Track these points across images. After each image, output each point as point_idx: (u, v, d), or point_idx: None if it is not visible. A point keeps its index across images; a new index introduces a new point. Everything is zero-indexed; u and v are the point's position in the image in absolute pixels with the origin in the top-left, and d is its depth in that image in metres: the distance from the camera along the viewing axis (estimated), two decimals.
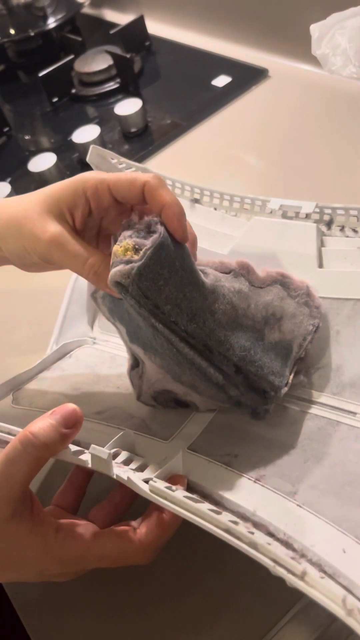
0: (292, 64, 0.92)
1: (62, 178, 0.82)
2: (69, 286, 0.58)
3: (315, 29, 0.63)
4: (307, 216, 0.52)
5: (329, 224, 0.51)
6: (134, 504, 0.41)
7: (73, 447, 0.38)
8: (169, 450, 0.41)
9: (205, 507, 0.32)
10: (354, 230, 0.50)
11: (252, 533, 0.32)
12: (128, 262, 0.35)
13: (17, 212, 0.41)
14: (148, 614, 0.42)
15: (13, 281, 0.70)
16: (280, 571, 0.27)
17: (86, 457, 0.36)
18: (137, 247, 0.35)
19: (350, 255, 0.48)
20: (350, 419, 0.42)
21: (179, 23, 1.08)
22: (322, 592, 0.27)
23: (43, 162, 0.81)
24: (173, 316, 0.37)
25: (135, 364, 0.44)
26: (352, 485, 0.37)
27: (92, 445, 0.34)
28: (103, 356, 0.52)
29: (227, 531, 0.29)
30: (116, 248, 0.36)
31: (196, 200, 0.56)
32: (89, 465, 0.35)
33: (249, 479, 0.39)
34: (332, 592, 0.26)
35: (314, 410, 0.44)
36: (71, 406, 0.37)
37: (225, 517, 0.31)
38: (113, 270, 0.35)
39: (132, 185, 0.38)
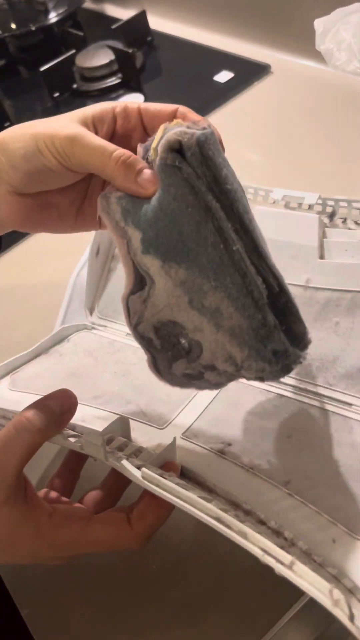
0: (295, 59, 0.91)
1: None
2: (70, 283, 0.58)
3: (319, 23, 0.62)
4: (310, 207, 0.52)
5: (332, 216, 0.51)
6: (128, 489, 0.41)
7: (68, 432, 0.38)
8: (163, 437, 0.41)
9: (196, 494, 0.32)
10: (356, 223, 0.50)
11: (244, 521, 0.32)
12: (187, 128, 0.31)
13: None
14: (148, 612, 0.42)
15: (14, 277, 0.71)
16: (269, 560, 0.28)
17: (80, 442, 0.36)
18: (189, 127, 0.32)
19: (352, 248, 0.48)
20: (346, 411, 0.43)
21: (181, 18, 1.08)
22: (309, 582, 0.27)
23: None
24: (230, 198, 0.32)
25: (139, 286, 0.35)
26: (345, 476, 0.38)
27: (87, 431, 0.35)
28: (101, 341, 0.52)
29: (218, 519, 0.30)
30: (165, 125, 0.32)
31: None
32: (83, 451, 0.35)
33: (243, 467, 0.39)
34: (319, 582, 0.26)
35: (310, 400, 0.44)
36: (66, 391, 0.37)
37: (217, 505, 0.31)
38: (171, 132, 0.31)
39: (163, 108, 0.36)
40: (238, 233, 0.33)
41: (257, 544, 0.28)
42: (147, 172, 0.33)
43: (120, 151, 0.34)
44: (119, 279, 0.54)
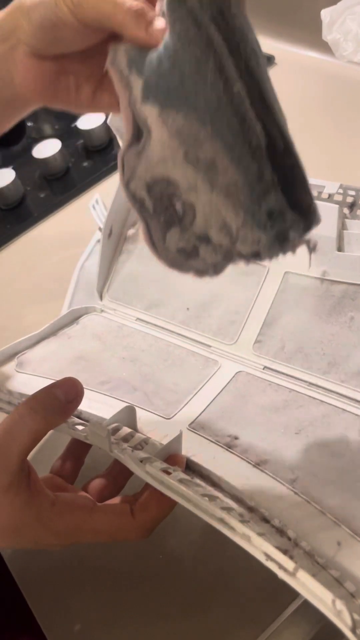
0: (299, 51, 0.89)
1: (67, 165, 0.81)
2: (75, 274, 0.58)
3: (326, 14, 0.61)
4: (330, 197, 0.51)
5: (352, 207, 0.50)
6: (132, 477, 0.41)
7: (74, 420, 0.38)
8: (170, 428, 0.41)
9: (200, 492, 0.31)
10: None
11: (248, 521, 0.32)
12: None
13: None
14: (151, 600, 0.42)
15: (19, 268, 0.70)
16: (272, 565, 0.27)
17: (85, 432, 0.35)
18: None
19: None
20: (356, 408, 0.42)
21: None
22: (312, 591, 0.26)
23: (47, 148, 0.79)
24: (238, 36, 0.30)
25: (136, 138, 0.33)
26: (353, 476, 0.37)
27: (92, 421, 0.34)
28: (110, 325, 0.51)
29: (221, 521, 0.29)
30: None
31: None
32: (88, 441, 0.35)
33: (249, 462, 0.38)
34: (322, 592, 0.26)
35: (320, 396, 0.43)
36: (72, 379, 0.36)
37: (220, 503, 0.31)
38: None
39: None
40: (242, 75, 0.30)
41: (260, 548, 0.28)
42: (158, 22, 0.32)
43: (132, 1, 0.32)
44: (132, 262, 0.54)
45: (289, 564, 0.27)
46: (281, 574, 0.27)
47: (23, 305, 0.65)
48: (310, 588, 0.26)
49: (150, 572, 0.43)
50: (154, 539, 0.42)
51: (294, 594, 0.39)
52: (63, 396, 0.35)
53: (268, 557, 0.27)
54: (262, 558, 0.28)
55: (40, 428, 0.34)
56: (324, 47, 0.62)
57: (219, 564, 0.42)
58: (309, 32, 0.76)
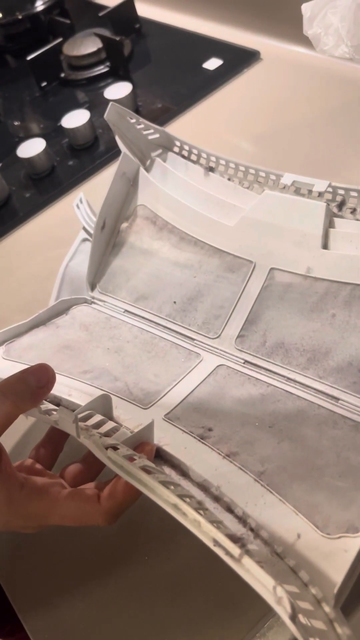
0: (284, 45, 0.89)
1: (52, 164, 0.82)
2: (59, 273, 0.59)
3: (307, 8, 0.60)
4: (320, 195, 0.51)
5: (341, 205, 0.50)
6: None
7: (47, 406, 0.39)
8: (146, 417, 0.41)
9: (162, 479, 0.32)
10: None
11: (206, 509, 0.33)
12: None
13: None
14: (138, 603, 0.42)
15: (3, 268, 0.72)
16: (219, 551, 0.28)
17: (55, 417, 0.36)
18: None
19: (357, 239, 0.47)
20: (332, 405, 0.42)
21: (169, 5, 1.05)
22: (255, 576, 0.27)
23: (32, 147, 0.80)
24: None
25: None
26: (320, 471, 0.37)
27: (61, 406, 0.35)
28: (99, 316, 0.52)
29: (175, 506, 0.30)
30: None
31: (211, 169, 0.55)
32: (58, 426, 0.36)
33: (219, 453, 0.39)
34: (264, 578, 0.26)
35: (298, 392, 0.43)
36: (44, 365, 0.37)
37: (180, 491, 0.31)
38: None
39: None
40: None
41: (209, 534, 0.28)
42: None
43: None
44: (122, 255, 0.54)
45: (235, 551, 0.28)
46: (227, 560, 0.27)
47: (8, 305, 0.66)
48: (254, 574, 0.27)
49: (136, 572, 0.43)
50: (139, 540, 0.43)
51: None
52: (34, 381, 0.36)
53: (216, 543, 0.28)
54: (210, 544, 0.28)
55: (9, 412, 0.35)
56: (309, 42, 0.62)
57: (205, 563, 0.42)
58: (294, 27, 0.76)
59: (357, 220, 0.49)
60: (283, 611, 0.26)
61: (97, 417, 0.38)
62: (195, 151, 0.56)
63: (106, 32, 0.99)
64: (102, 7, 1.06)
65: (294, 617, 0.26)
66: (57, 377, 0.39)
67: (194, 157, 0.56)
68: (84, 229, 0.62)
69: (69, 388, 0.44)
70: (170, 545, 0.44)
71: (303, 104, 0.80)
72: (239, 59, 0.90)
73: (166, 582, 0.42)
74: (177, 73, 0.93)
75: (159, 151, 0.58)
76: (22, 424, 0.53)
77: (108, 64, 0.98)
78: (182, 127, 0.83)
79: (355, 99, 0.77)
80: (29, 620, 0.43)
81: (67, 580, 0.44)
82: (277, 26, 0.89)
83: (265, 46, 0.90)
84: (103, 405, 0.40)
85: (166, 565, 0.43)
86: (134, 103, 0.87)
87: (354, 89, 0.79)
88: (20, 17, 1.10)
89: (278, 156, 0.74)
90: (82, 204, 0.63)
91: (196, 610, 0.41)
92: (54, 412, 0.38)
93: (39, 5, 1.11)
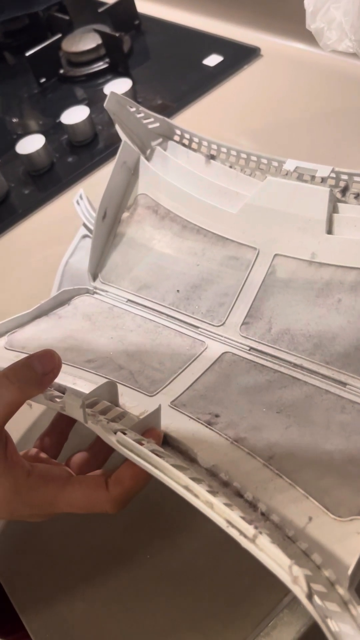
0: (285, 42, 0.89)
1: (51, 161, 0.81)
2: (59, 270, 0.59)
3: (309, 3, 0.60)
4: (323, 181, 0.50)
5: (344, 191, 0.50)
6: (116, 453, 0.41)
7: (53, 393, 0.38)
8: (152, 404, 0.41)
9: (172, 462, 0.31)
10: None
11: (216, 492, 0.32)
12: None
13: None
14: (141, 600, 0.42)
15: (3, 265, 0.71)
16: (233, 532, 0.27)
17: (62, 403, 0.36)
18: None
19: None
20: (340, 390, 0.42)
21: (169, 1, 1.05)
22: (271, 556, 0.26)
23: (31, 144, 0.79)
24: None
25: None
26: (330, 456, 0.37)
27: (67, 392, 0.34)
28: (101, 306, 0.52)
29: (187, 488, 0.29)
30: None
31: (212, 157, 0.55)
32: (64, 412, 0.35)
33: (227, 439, 0.38)
34: (280, 557, 0.26)
35: (304, 377, 0.43)
36: (50, 351, 0.37)
37: (190, 474, 0.31)
38: None
39: None
40: None
41: (223, 515, 0.28)
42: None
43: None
44: (124, 245, 0.54)
45: (250, 531, 0.27)
46: (241, 540, 0.27)
47: (7, 302, 0.66)
48: (269, 554, 0.26)
49: (138, 572, 0.43)
50: (142, 539, 0.43)
51: (286, 590, 0.39)
52: (40, 367, 0.36)
53: (229, 523, 0.28)
54: (223, 525, 0.28)
55: (15, 398, 0.35)
56: (310, 38, 0.62)
57: (207, 563, 0.42)
58: (295, 23, 0.76)
59: None
60: (300, 590, 0.25)
61: (104, 404, 0.38)
62: (196, 139, 0.56)
63: (105, 29, 0.98)
64: (101, 4, 1.05)
65: (310, 596, 0.25)
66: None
67: (194, 146, 0.56)
68: (84, 225, 0.62)
69: (73, 377, 0.43)
70: (173, 544, 0.43)
71: (303, 100, 0.80)
72: (239, 56, 0.89)
73: (169, 581, 0.42)
74: (177, 69, 0.92)
75: (160, 140, 0.57)
76: (27, 416, 0.52)
77: (107, 60, 0.97)
78: (182, 123, 0.81)
79: (356, 95, 0.77)
80: (30, 619, 0.42)
81: (68, 579, 0.43)
82: (277, 22, 0.89)
83: (266, 42, 0.90)
84: (109, 392, 0.39)
85: (169, 564, 0.42)
86: (133, 99, 0.86)
87: (355, 86, 0.78)
88: (19, 13, 1.09)
89: (278, 153, 0.73)
90: (82, 200, 0.63)
91: (199, 610, 0.40)
92: (59, 400, 0.37)
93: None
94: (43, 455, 0.41)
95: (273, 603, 0.39)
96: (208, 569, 0.42)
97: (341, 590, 0.30)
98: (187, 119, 0.83)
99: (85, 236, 0.62)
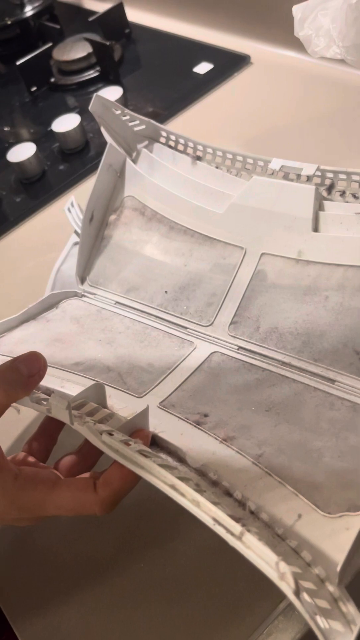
0: (274, 49, 0.89)
1: (42, 168, 0.81)
2: (51, 277, 0.59)
3: (297, 10, 0.61)
4: (309, 179, 0.50)
5: (330, 189, 0.50)
6: (105, 456, 0.41)
7: (40, 395, 0.38)
8: (140, 406, 0.40)
9: (159, 462, 0.31)
10: (354, 196, 0.49)
11: (204, 491, 0.32)
12: None
13: None
14: (134, 608, 0.41)
15: None
16: (219, 530, 0.27)
17: (48, 405, 0.36)
18: None
19: (347, 221, 0.46)
20: (328, 387, 0.42)
21: (159, 10, 1.05)
22: (257, 553, 0.26)
23: (22, 152, 0.79)
24: None
25: None
26: (319, 453, 0.37)
27: (53, 394, 0.34)
28: (89, 309, 0.51)
29: (173, 487, 0.29)
30: None
31: (198, 158, 0.55)
32: (51, 414, 0.35)
33: (216, 438, 0.38)
34: (267, 554, 0.26)
35: (293, 375, 0.43)
36: (35, 353, 0.37)
37: (177, 474, 0.31)
38: None
39: None
40: None
41: (209, 513, 0.28)
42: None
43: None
44: (112, 247, 0.54)
45: (236, 529, 0.27)
46: (228, 538, 0.27)
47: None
48: (256, 551, 0.26)
49: (131, 581, 0.42)
50: (135, 547, 0.42)
51: (282, 598, 0.39)
52: (25, 370, 0.36)
53: (216, 521, 0.27)
54: (210, 523, 0.28)
55: (1, 401, 0.35)
56: (299, 45, 0.62)
57: (202, 569, 0.42)
58: (284, 31, 0.76)
59: (347, 202, 0.48)
60: (287, 587, 0.25)
61: (91, 406, 0.38)
62: (182, 141, 0.56)
63: (96, 37, 0.99)
64: (91, 12, 1.06)
65: (297, 593, 0.25)
66: (49, 369, 0.39)
67: (180, 147, 0.56)
68: (76, 232, 0.61)
69: (62, 380, 0.43)
70: (167, 552, 0.43)
71: (293, 106, 0.80)
72: (229, 63, 0.90)
73: (163, 588, 0.41)
74: (168, 77, 0.93)
75: (146, 142, 0.57)
76: (15, 423, 0.52)
77: (98, 68, 0.98)
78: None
79: (345, 102, 0.77)
80: (22, 629, 0.42)
81: (61, 588, 0.43)
82: (267, 30, 0.89)
83: (256, 50, 0.90)
84: (96, 393, 0.39)
85: (163, 571, 0.42)
86: (124, 107, 0.87)
87: (344, 93, 0.79)
88: (9, 22, 1.10)
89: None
90: (74, 207, 0.63)
91: (194, 617, 0.40)
92: (45, 403, 0.37)
93: (28, 11, 1.11)
94: (31, 459, 0.41)
95: (268, 610, 0.39)
96: (202, 577, 0.41)
97: (331, 588, 0.29)
98: (178, 126, 0.83)
99: (76, 243, 0.62)
